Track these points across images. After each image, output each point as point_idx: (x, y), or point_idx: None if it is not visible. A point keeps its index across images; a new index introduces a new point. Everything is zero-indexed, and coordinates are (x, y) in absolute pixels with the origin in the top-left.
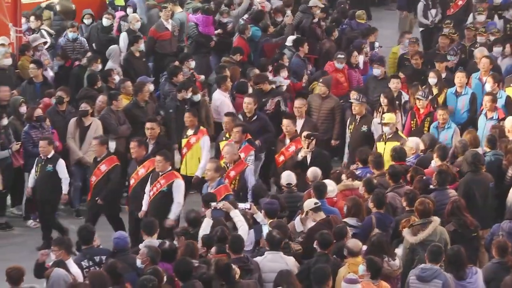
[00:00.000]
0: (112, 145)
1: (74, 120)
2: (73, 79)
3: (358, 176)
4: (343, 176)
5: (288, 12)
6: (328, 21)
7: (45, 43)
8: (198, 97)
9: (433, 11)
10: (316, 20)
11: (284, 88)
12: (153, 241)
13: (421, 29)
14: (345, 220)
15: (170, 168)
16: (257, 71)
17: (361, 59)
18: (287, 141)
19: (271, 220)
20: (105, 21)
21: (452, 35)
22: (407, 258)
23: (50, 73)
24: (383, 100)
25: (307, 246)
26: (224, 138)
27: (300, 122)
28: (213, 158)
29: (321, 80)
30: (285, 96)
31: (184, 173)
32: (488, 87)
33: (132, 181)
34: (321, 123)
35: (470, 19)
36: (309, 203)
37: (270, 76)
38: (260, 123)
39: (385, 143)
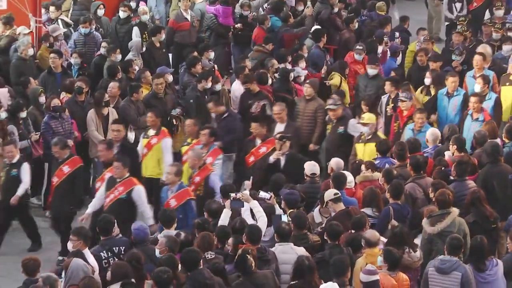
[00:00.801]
0: (132, 136)
1: (93, 111)
2: (94, 68)
3: (377, 167)
4: (363, 167)
5: (309, 3)
6: (347, 12)
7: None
8: (219, 86)
9: (458, 5)
10: (336, 10)
11: (302, 78)
12: (170, 231)
13: (446, 23)
14: (362, 210)
15: (128, 174)
16: (275, 61)
17: (380, 49)
18: (258, 141)
19: (291, 210)
20: (122, 14)
21: (464, 32)
22: (425, 249)
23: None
24: (364, 107)
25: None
26: (185, 143)
27: (281, 127)
28: (175, 162)
29: (307, 82)
30: (271, 100)
31: (143, 175)
32: (477, 88)
33: (97, 184)
34: (306, 126)
35: (487, 14)
36: (329, 193)
37: (289, 67)
38: (228, 122)
39: (364, 144)
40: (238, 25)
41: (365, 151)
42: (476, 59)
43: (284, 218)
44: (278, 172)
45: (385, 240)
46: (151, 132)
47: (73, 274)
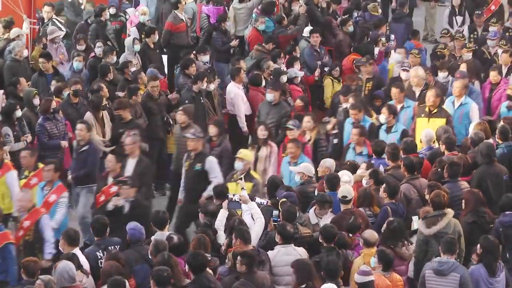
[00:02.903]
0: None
1: (90, 115)
2: (89, 70)
3: (374, 167)
4: (363, 165)
5: (301, 1)
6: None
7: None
8: (213, 87)
9: (459, 18)
10: (322, 5)
11: (299, 79)
12: (164, 233)
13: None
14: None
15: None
16: (271, 63)
17: (376, 50)
18: (110, 179)
19: (282, 200)
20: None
21: (441, 50)
22: (420, 250)
23: (65, 68)
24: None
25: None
26: (23, 176)
27: (131, 162)
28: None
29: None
30: (143, 132)
31: None
32: (382, 119)
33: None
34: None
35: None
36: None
37: (283, 68)
38: (88, 154)
39: (236, 184)
40: (235, 43)
41: (237, 191)
42: (393, 91)
43: (276, 212)
44: (120, 218)
45: None
46: None
47: (58, 277)
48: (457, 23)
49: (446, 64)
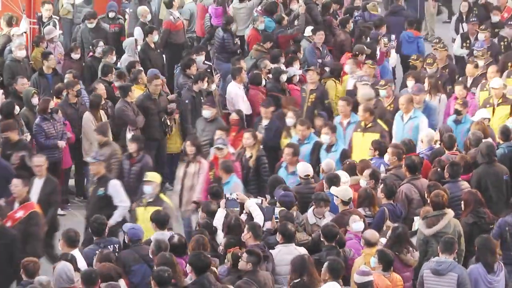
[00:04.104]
0: (130, 136)
1: (89, 114)
2: (87, 70)
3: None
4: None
5: (301, 1)
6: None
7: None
8: (214, 86)
9: (466, 26)
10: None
11: (297, 78)
12: (164, 233)
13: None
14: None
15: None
16: (268, 62)
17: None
18: (16, 204)
19: (281, 209)
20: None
21: (413, 61)
22: (420, 250)
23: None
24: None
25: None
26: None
27: (39, 183)
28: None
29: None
30: (31, 151)
31: None
32: (325, 139)
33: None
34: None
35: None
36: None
37: (283, 67)
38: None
39: (144, 208)
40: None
41: (146, 216)
42: (340, 104)
43: (277, 210)
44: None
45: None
46: None
47: (56, 278)
48: (463, 29)
49: (414, 72)
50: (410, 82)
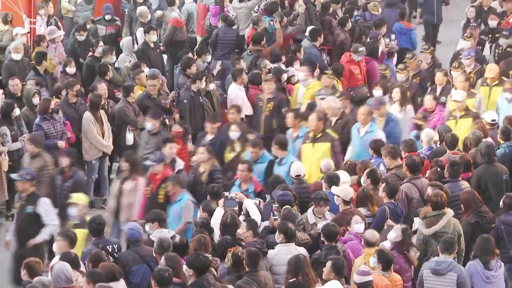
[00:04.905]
0: (130, 137)
1: (90, 115)
2: (86, 70)
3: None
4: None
5: (300, 1)
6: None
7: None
8: (212, 86)
9: None
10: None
11: (296, 78)
12: (163, 230)
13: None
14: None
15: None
16: (267, 62)
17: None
18: None
19: (285, 207)
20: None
21: (382, 71)
22: (420, 249)
23: (60, 69)
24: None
25: None
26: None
27: None
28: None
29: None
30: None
31: None
32: (276, 152)
33: None
34: None
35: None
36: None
37: (283, 67)
38: None
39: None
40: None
41: (79, 242)
42: (288, 116)
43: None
44: None
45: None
46: None
47: (54, 278)
48: None
49: (382, 82)
50: (377, 92)
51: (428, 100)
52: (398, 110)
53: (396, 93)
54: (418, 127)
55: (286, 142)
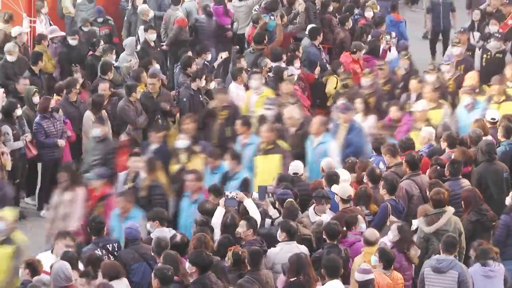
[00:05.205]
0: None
1: (90, 114)
2: (87, 69)
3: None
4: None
5: (301, 0)
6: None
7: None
8: (213, 85)
9: (476, 34)
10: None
11: (295, 77)
12: (163, 229)
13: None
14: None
15: None
16: (268, 61)
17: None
18: None
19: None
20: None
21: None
22: (421, 247)
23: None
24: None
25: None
26: None
27: None
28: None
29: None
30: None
31: None
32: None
33: None
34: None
35: None
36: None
37: (283, 65)
38: None
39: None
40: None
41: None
42: (237, 124)
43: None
44: None
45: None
46: None
47: (54, 277)
48: (474, 38)
49: (347, 93)
50: (342, 101)
51: (393, 111)
52: (361, 119)
53: (358, 103)
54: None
55: (240, 156)
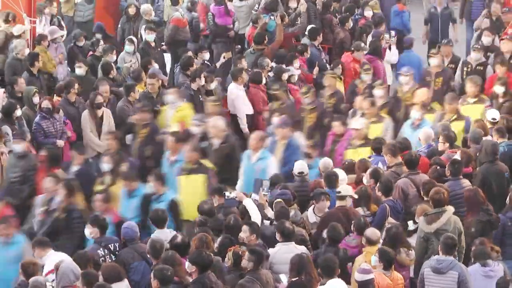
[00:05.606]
0: (129, 136)
1: (87, 113)
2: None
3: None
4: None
5: (302, 0)
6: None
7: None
8: (213, 85)
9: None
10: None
11: (296, 78)
12: (163, 231)
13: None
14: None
15: None
16: (269, 61)
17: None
18: None
19: (277, 201)
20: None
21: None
22: (421, 247)
23: (60, 69)
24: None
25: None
26: None
27: None
28: None
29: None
30: None
31: None
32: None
33: None
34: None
35: None
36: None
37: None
38: None
39: None
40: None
41: None
42: (167, 140)
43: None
44: None
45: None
46: None
47: (63, 276)
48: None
49: (283, 108)
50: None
51: (336, 126)
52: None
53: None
54: (308, 156)
55: (162, 175)
